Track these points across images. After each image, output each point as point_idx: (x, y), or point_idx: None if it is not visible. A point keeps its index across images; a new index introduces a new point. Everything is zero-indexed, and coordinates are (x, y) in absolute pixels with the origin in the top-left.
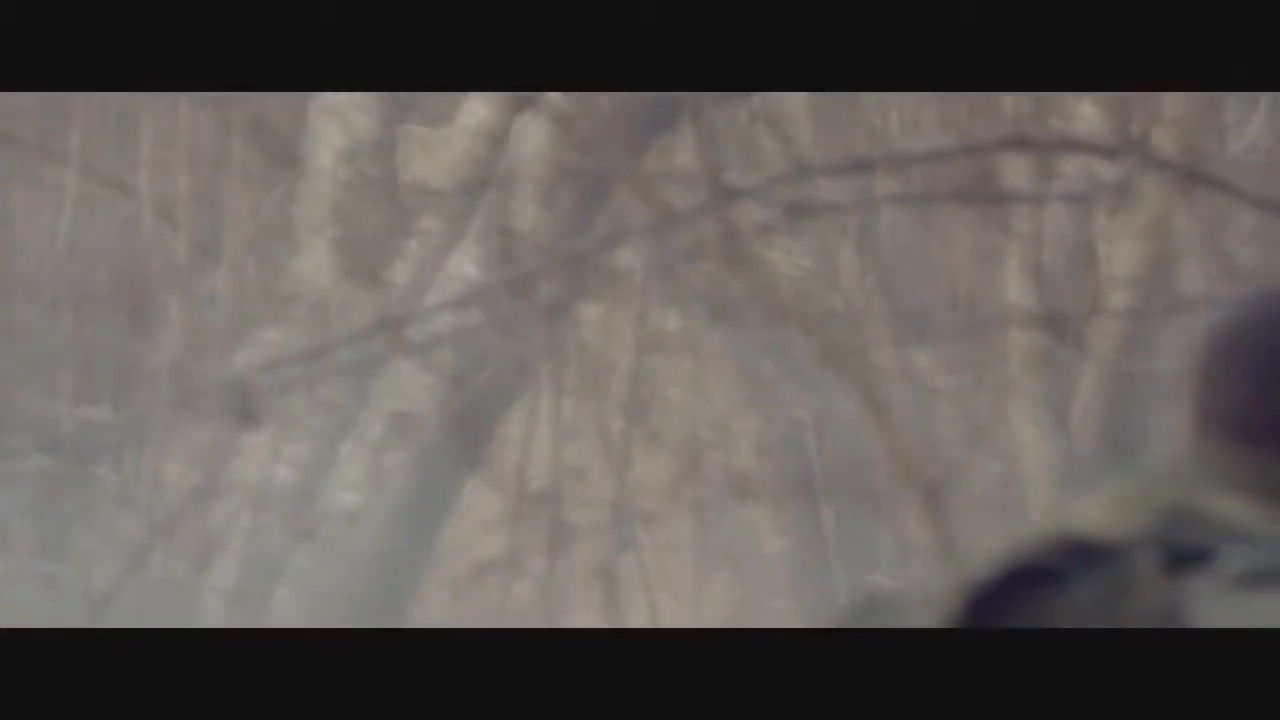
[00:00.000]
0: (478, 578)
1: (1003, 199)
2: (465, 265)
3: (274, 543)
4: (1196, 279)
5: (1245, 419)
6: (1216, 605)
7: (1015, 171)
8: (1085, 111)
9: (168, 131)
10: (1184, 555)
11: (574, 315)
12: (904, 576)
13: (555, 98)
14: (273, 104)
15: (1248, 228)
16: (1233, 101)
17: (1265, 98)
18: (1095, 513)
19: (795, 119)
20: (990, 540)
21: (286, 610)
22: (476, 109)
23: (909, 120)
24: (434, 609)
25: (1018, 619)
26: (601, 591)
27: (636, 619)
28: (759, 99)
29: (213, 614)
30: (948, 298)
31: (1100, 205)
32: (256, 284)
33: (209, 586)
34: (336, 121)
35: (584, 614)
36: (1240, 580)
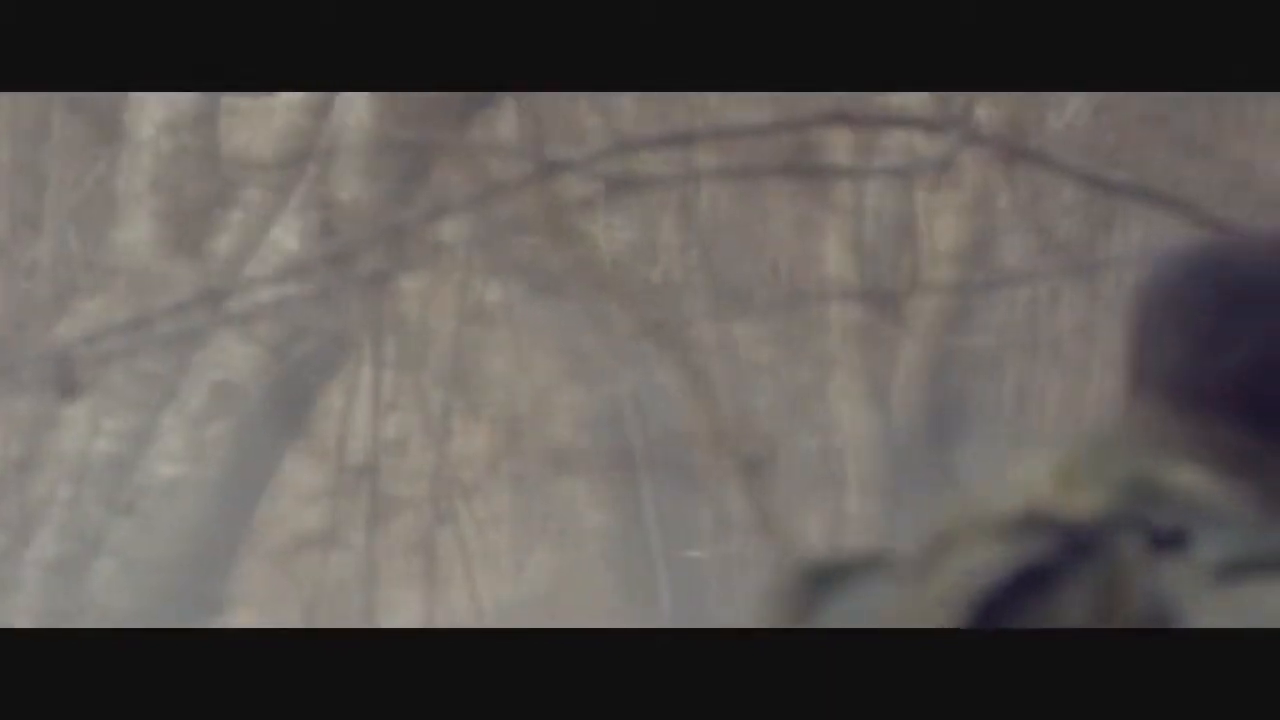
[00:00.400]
0: (297, 550)
1: (824, 173)
2: (287, 237)
3: (94, 515)
4: (1017, 253)
5: (1186, 382)
6: (1201, 597)
7: (836, 146)
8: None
9: None
10: (1160, 539)
11: (395, 287)
12: (722, 549)
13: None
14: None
15: (1068, 202)
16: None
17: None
18: (1044, 489)
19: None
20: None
21: (106, 582)
22: None
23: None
24: (253, 581)
25: (1023, 621)
26: (421, 564)
27: (456, 592)
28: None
29: (32, 586)
30: (768, 271)
31: (921, 180)
32: (78, 255)
33: (29, 559)
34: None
35: (404, 587)
36: (1221, 570)
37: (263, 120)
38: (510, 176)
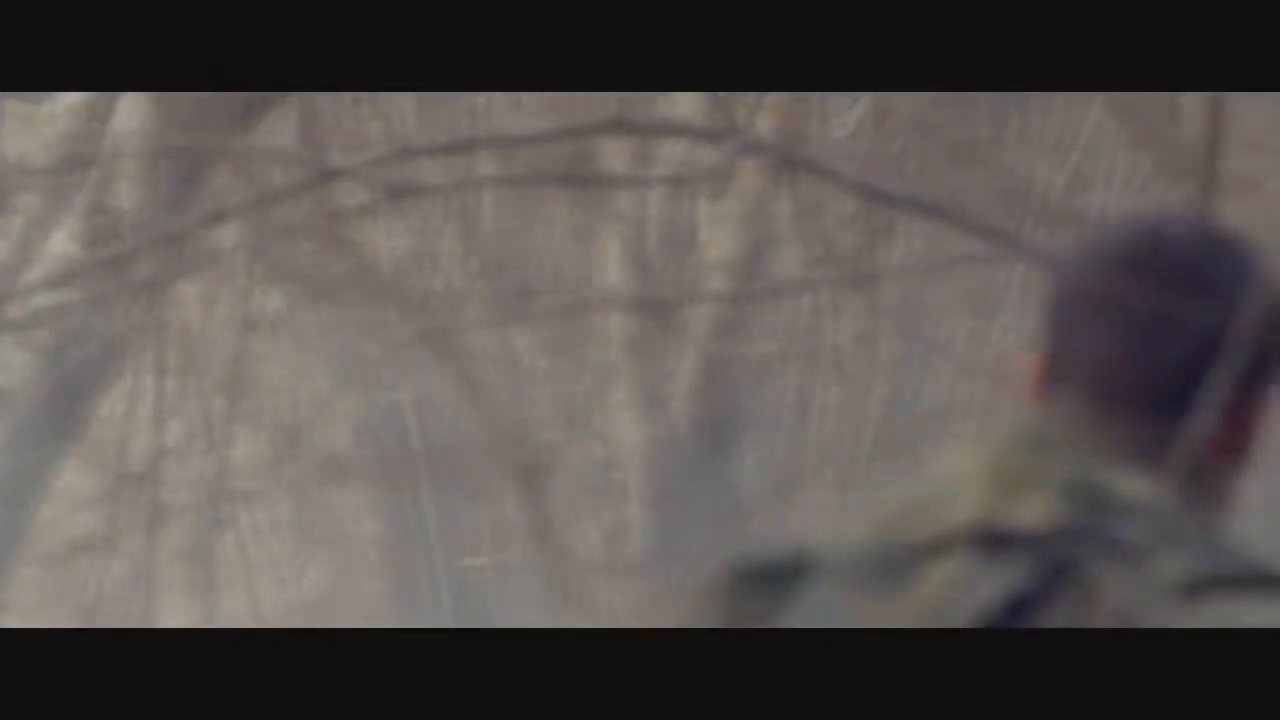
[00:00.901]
0: (73, 556)
1: (603, 182)
2: (65, 243)
3: None
4: (794, 264)
5: (1110, 381)
6: (1166, 615)
7: (616, 155)
8: (686, 95)
9: None
10: (1122, 555)
11: (174, 294)
12: (501, 557)
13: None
14: None
15: (846, 213)
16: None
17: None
18: (986, 494)
19: (397, 99)
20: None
21: None
22: None
23: (510, 101)
24: (28, 587)
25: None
26: (199, 571)
27: (234, 598)
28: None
29: None
30: (548, 280)
31: (700, 190)
32: None
33: None
34: None
35: (181, 593)
36: (1185, 588)
37: (41, 125)
38: (289, 183)
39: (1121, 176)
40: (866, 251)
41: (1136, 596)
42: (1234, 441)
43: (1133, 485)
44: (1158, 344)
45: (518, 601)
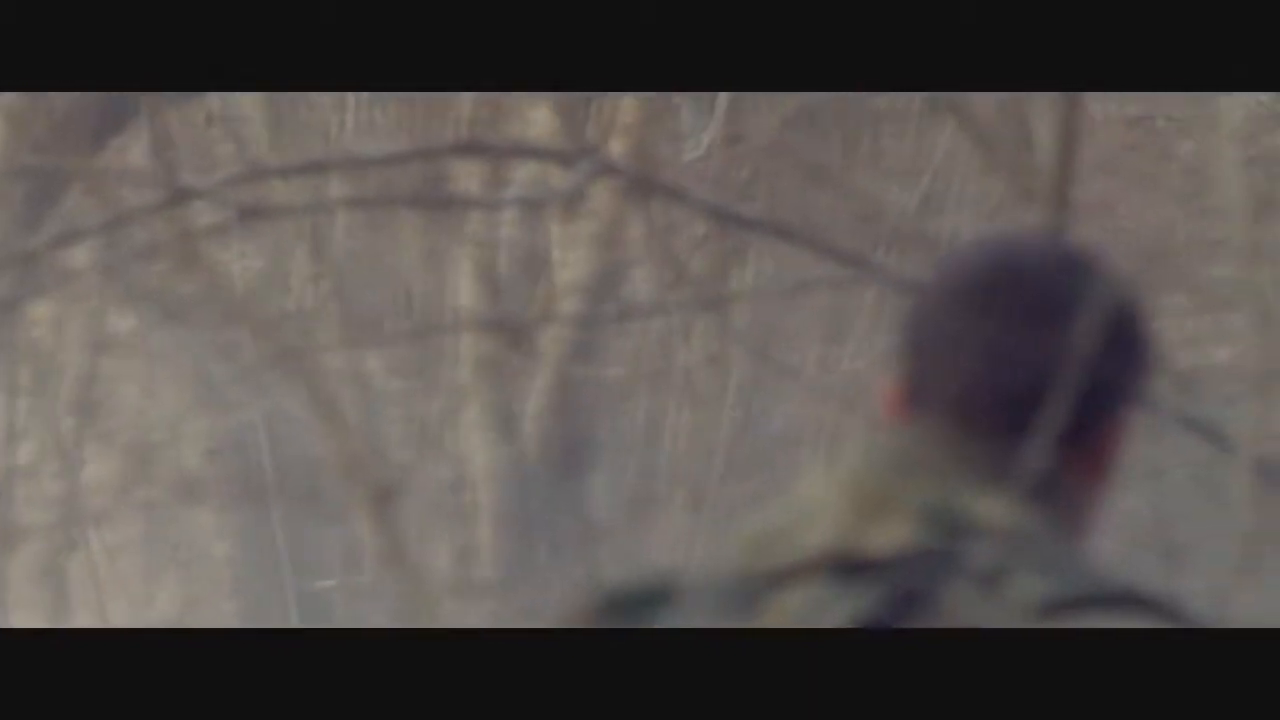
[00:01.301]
0: None
1: (455, 204)
2: None
3: None
4: (647, 286)
5: (968, 404)
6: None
7: (468, 176)
8: (539, 117)
9: None
10: (979, 578)
11: (25, 314)
12: (352, 579)
13: (7, 95)
14: None
15: (699, 235)
16: (687, 110)
17: (721, 101)
18: (844, 518)
19: (250, 120)
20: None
21: None
22: None
23: (364, 123)
24: None
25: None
26: (50, 591)
27: (85, 618)
28: (216, 99)
29: None
30: (400, 301)
31: (553, 211)
32: None
33: None
34: None
35: (31, 613)
36: (1043, 609)
37: None
38: (141, 203)
39: (973, 200)
40: (718, 274)
41: (993, 619)
42: (1091, 463)
43: (991, 508)
44: (1015, 366)
45: (369, 624)
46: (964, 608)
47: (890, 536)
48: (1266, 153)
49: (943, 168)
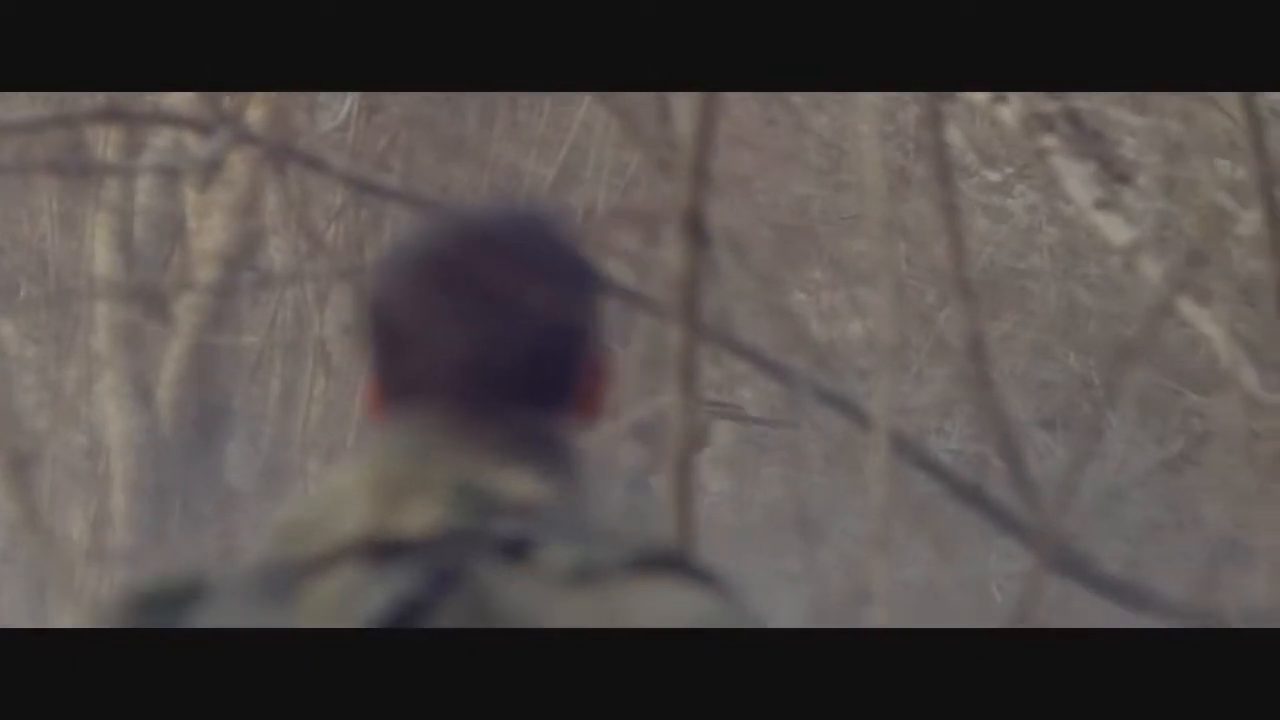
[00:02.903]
0: None
1: (93, 170)
2: None
3: None
4: (283, 255)
5: (467, 381)
6: (554, 605)
7: (106, 143)
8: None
9: None
10: (506, 551)
11: None
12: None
13: None
14: None
15: (336, 205)
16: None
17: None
18: (376, 504)
19: None
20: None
21: None
22: None
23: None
24: None
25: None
26: None
27: None
28: None
29: None
30: (36, 267)
31: (190, 179)
32: None
33: None
34: None
35: None
36: (569, 576)
37: None
38: None
39: (610, 172)
40: (355, 244)
41: (528, 591)
42: (583, 417)
43: (514, 481)
44: (504, 338)
45: (6, 589)
46: (497, 581)
47: (420, 519)
48: (901, 128)
49: (580, 139)
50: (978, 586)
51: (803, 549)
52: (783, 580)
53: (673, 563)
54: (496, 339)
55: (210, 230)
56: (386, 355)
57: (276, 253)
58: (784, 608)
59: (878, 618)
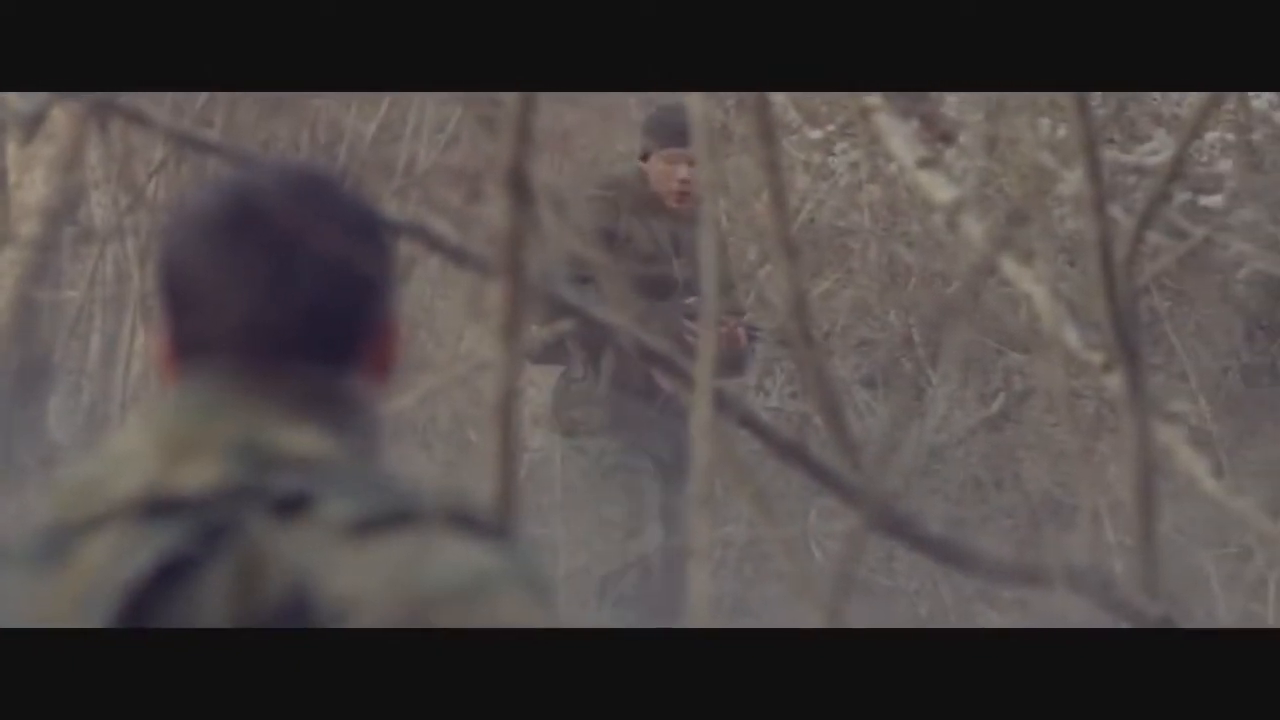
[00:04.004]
0: None
1: None
2: None
3: None
4: (105, 209)
5: (251, 339)
6: (333, 557)
7: None
8: None
9: None
10: (282, 504)
11: None
12: None
13: None
14: None
15: (158, 160)
16: None
17: None
18: (154, 462)
19: None
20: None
21: None
22: None
23: None
24: None
25: (169, 614)
26: None
27: None
28: None
29: None
30: None
31: (12, 133)
32: None
33: None
34: None
35: None
36: (348, 528)
37: None
38: None
39: (432, 128)
40: (176, 199)
41: (306, 544)
42: (372, 374)
43: (296, 438)
44: (286, 296)
45: None
46: (272, 536)
47: (199, 476)
48: None
49: (402, 95)
50: (799, 545)
51: (629, 505)
52: (604, 537)
53: (455, 517)
54: (279, 297)
55: (32, 184)
56: (176, 314)
57: (98, 207)
58: (609, 564)
59: (700, 574)
